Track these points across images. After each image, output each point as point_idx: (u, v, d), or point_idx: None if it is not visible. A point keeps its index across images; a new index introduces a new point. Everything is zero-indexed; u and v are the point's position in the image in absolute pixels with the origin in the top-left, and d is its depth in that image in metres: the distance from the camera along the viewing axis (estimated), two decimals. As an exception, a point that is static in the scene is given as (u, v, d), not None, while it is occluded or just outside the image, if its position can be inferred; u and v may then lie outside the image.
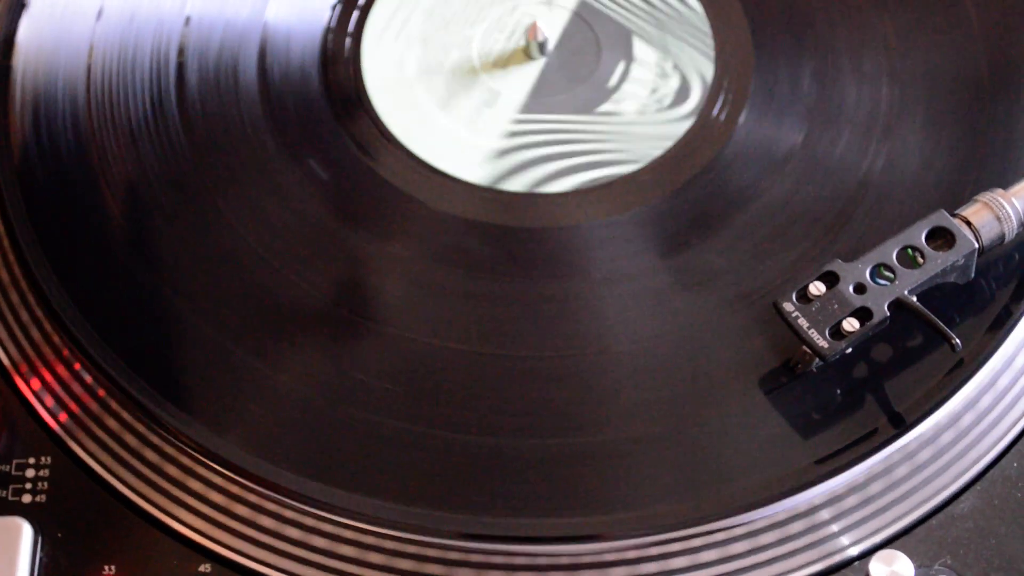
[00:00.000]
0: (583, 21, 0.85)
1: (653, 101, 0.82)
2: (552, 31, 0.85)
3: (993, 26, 0.81)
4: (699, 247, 0.76)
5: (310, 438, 0.69)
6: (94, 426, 0.72)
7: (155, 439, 0.71)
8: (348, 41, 0.85)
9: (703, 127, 0.81)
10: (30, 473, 0.70)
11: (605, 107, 0.82)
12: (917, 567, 0.66)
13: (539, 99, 0.83)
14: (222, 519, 0.69)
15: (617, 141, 0.81)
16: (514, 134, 0.82)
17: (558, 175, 0.80)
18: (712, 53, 0.83)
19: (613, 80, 0.83)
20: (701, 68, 0.82)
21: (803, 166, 0.78)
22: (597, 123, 0.82)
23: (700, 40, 0.83)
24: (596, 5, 0.86)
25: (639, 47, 0.84)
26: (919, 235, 0.70)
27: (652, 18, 0.84)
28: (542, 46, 0.84)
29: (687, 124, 0.81)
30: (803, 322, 0.68)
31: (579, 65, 0.84)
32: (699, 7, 0.85)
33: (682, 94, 0.82)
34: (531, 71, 0.84)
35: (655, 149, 0.80)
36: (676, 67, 0.82)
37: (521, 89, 0.84)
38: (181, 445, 0.69)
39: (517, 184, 0.79)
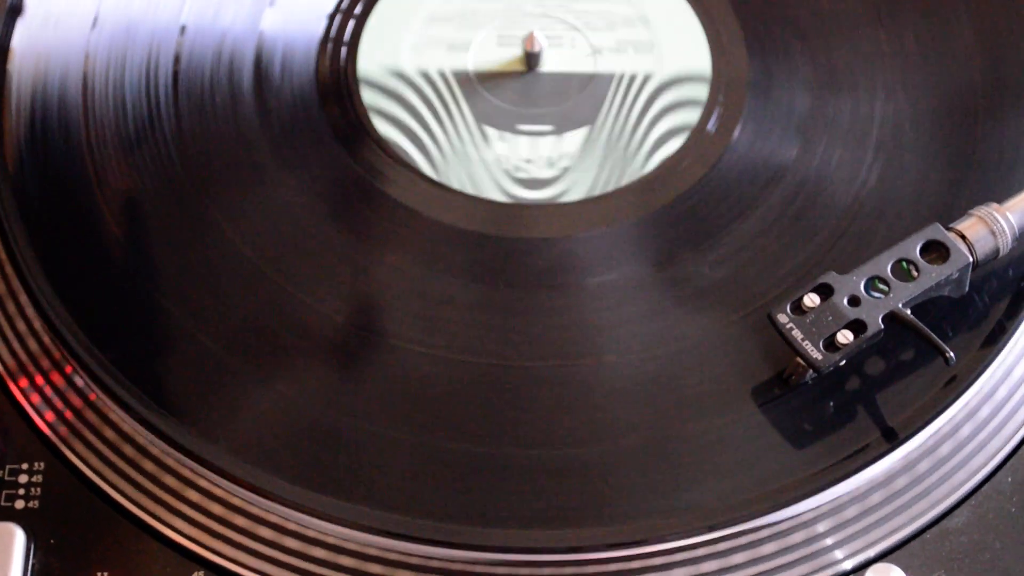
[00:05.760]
0: (585, 82, 0.84)
1: (513, 166, 0.80)
2: (559, 64, 0.85)
3: (988, 41, 0.81)
4: (693, 259, 0.76)
5: (304, 446, 0.69)
6: (87, 432, 0.71)
7: (147, 445, 0.71)
8: (344, 51, 0.85)
9: (697, 141, 0.81)
10: (23, 479, 0.70)
11: (491, 132, 0.82)
12: (911, 580, 0.66)
13: (474, 83, 0.84)
14: (214, 526, 0.69)
15: (455, 155, 0.81)
16: (427, 78, 0.84)
17: (394, 122, 0.82)
18: (597, 195, 0.79)
19: (526, 128, 0.82)
20: (573, 189, 0.80)
21: (798, 179, 0.78)
22: (468, 133, 0.82)
23: (605, 180, 0.80)
24: (611, 85, 0.84)
25: (576, 135, 0.82)
26: (914, 248, 0.70)
27: (616, 136, 0.82)
28: (531, 59, 0.84)
29: (501, 199, 0.79)
30: (797, 334, 0.68)
31: (531, 99, 0.84)
32: (652, 167, 0.80)
33: (533, 184, 0.80)
34: (509, 74, 0.85)
35: (460, 184, 0.79)
36: (565, 170, 0.80)
37: (480, 66, 0.84)
38: (173, 451, 0.69)
39: (368, 97, 0.83)
